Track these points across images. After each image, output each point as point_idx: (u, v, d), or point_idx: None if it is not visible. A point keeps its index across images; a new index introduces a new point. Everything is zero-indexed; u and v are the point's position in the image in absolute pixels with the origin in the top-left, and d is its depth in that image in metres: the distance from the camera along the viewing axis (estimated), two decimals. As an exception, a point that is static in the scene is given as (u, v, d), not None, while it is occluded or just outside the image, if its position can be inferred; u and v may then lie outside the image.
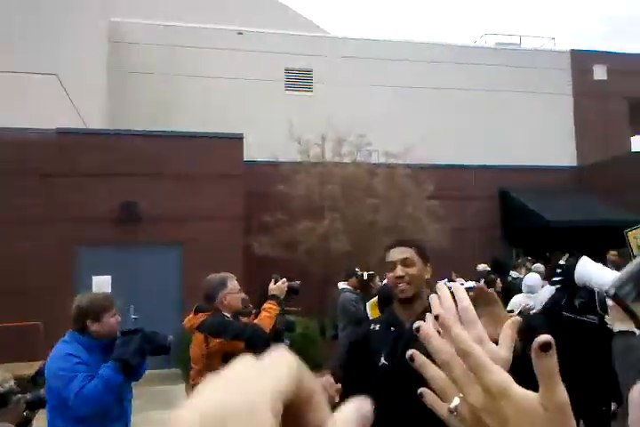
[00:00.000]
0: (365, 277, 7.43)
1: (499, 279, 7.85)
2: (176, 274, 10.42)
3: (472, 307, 0.63)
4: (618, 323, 4.59)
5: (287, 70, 16.82)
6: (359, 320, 6.90)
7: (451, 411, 0.55)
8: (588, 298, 4.93)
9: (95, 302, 2.99)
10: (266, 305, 3.68)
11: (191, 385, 3.74)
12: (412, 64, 16.87)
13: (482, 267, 9.04)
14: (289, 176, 11.25)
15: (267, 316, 3.60)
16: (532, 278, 6.57)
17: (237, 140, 11.29)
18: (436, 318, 0.57)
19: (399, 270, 2.25)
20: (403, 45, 17.42)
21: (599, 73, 18.25)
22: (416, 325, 0.60)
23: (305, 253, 10.28)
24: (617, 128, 17.74)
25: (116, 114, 14.48)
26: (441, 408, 0.56)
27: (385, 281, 6.39)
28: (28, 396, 2.49)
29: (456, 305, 0.62)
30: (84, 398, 2.76)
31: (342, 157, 12.12)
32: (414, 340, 1.79)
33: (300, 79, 16.91)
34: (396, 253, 2.32)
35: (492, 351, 0.58)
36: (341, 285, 7.57)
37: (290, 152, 11.86)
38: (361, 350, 2.35)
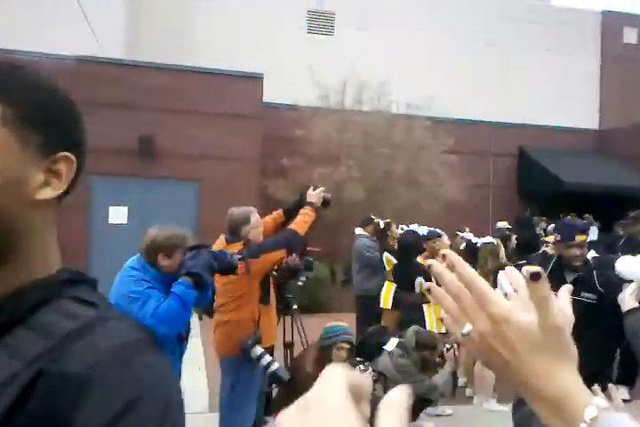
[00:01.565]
0: (382, 225, 7.43)
1: (514, 236, 7.84)
2: (192, 210, 10.46)
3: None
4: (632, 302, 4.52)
5: (309, 12, 16.29)
6: (374, 266, 6.97)
7: (463, 335, 0.63)
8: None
9: (171, 239, 2.94)
10: (303, 210, 3.70)
11: (223, 321, 3.72)
12: (438, 13, 16.28)
13: (502, 224, 8.99)
14: (307, 121, 11.11)
15: (302, 220, 3.64)
16: None
17: (257, 79, 11.07)
18: (444, 257, 0.63)
19: None
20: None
21: (629, 36, 17.74)
22: (428, 262, 0.64)
23: (319, 199, 10.28)
24: (642, 94, 17.38)
25: (133, 44, 14.11)
26: (457, 332, 0.64)
27: (403, 228, 6.38)
28: None
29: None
30: (161, 316, 2.76)
31: (362, 105, 11.93)
32: None
33: (321, 21, 16.41)
34: None
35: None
36: (358, 230, 7.58)
37: (309, 97, 11.64)
38: None
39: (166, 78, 10.49)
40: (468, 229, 9.39)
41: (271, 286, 3.83)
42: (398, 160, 11.08)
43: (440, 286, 0.66)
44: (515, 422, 0.83)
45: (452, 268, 0.62)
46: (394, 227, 7.47)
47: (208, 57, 13.29)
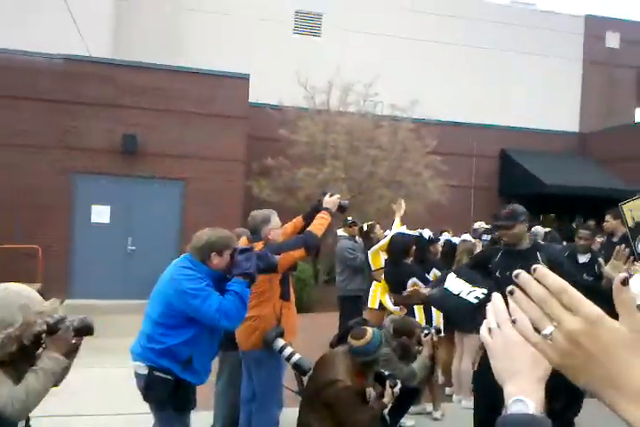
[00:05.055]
0: (365, 227, 7.50)
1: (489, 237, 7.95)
2: (176, 210, 10.44)
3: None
4: None
5: (297, 12, 16.34)
6: (355, 267, 7.06)
7: (544, 336, 0.68)
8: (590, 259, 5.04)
9: (223, 239, 3.17)
10: (319, 215, 4.00)
11: (247, 317, 3.79)
12: (425, 17, 16.44)
13: (478, 225, 9.05)
14: (293, 122, 11.17)
15: (319, 223, 3.93)
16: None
17: (243, 80, 11.07)
18: (534, 270, 0.71)
19: None
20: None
21: (611, 41, 17.98)
22: (516, 272, 0.72)
23: (304, 200, 10.33)
24: (623, 98, 17.64)
25: (121, 45, 14.08)
26: (532, 335, 0.71)
27: (392, 230, 6.47)
28: (75, 323, 2.33)
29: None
30: (225, 311, 2.99)
31: (347, 106, 12.01)
32: None
33: (309, 22, 16.46)
34: None
35: None
36: (340, 232, 7.65)
37: (295, 97, 11.70)
38: None
39: (151, 78, 10.49)
40: (450, 231, 9.48)
41: (290, 283, 4.04)
42: (382, 162, 11.17)
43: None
44: None
45: (542, 277, 0.69)
46: (377, 228, 7.55)
47: (194, 57, 13.33)
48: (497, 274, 3.74)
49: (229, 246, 3.17)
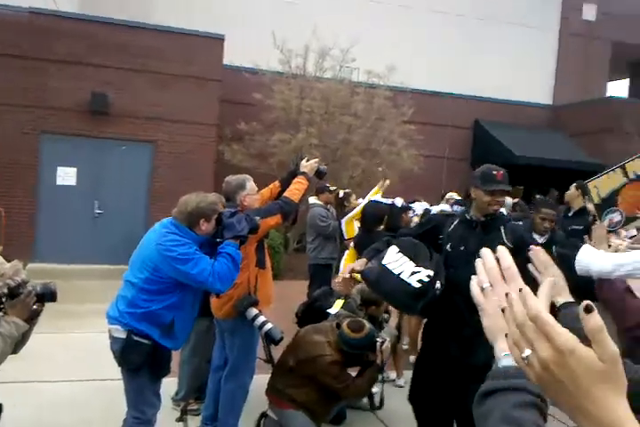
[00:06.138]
0: (341, 194, 7.45)
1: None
2: (144, 173, 10.22)
3: (514, 265, 0.79)
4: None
5: (273, -28, 15.77)
6: (327, 235, 7.03)
7: (522, 358, 0.70)
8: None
9: (211, 204, 3.15)
10: (296, 179, 3.97)
11: None
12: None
13: (450, 195, 8.99)
14: (268, 86, 10.94)
15: (296, 188, 3.91)
16: None
17: (218, 40, 10.74)
18: (506, 295, 0.73)
19: None
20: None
21: (588, 13, 17.89)
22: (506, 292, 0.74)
23: (277, 166, 10.23)
24: (597, 71, 17.69)
25: (87, 1, 13.45)
26: (515, 354, 0.72)
27: (366, 199, 6.45)
28: (38, 288, 2.29)
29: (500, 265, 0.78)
30: (218, 274, 3.01)
31: (324, 72, 11.81)
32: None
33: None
34: None
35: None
36: (312, 199, 7.57)
37: (271, 60, 11.43)
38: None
39: (123, 35, 10.09)
40: (423, 200, 9.51)
41: (266, 250, 3.98)
42: (357, 129, 11.08)
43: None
44: (474, 417, 0.90)
45: (524, 300, 0.70)
46: (353, 197, 7.51)
47: (168, 15, 12.83)
48: (447, 248, 3.15)
49: (217, 211, 3.16)
